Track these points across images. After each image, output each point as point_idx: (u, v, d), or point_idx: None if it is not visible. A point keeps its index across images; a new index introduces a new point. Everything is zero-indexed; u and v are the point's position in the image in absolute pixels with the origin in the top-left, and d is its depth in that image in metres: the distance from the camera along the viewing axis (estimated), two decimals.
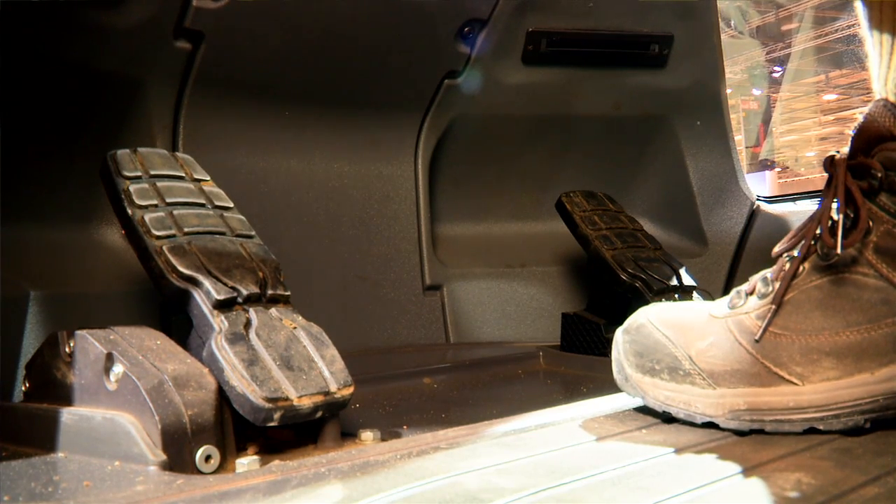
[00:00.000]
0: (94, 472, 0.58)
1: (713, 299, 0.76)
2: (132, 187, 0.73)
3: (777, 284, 0.66)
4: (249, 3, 1.06)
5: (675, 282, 1.14)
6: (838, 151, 0.65)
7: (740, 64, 5.39)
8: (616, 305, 1.07)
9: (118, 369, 0.61)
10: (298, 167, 1.25)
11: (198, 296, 0.68)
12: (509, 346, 1.24)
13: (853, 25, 0.87)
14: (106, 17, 0.98)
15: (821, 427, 0.62)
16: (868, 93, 0.72)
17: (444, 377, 1.04)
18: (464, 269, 1.37)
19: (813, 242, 0.65)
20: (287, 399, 0.64)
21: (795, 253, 0.66)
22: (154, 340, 0.65)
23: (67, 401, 0.65)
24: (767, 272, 0.68)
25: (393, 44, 1.21)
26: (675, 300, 1.07)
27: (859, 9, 0.70)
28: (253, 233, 0.78)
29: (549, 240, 1.40)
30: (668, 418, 0.68)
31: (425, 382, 1.01)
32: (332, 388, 0.67)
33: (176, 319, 0.70)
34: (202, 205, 0.77)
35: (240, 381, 0.63)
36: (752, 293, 0.67)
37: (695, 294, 1.12)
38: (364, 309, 1.27)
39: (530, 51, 1.30)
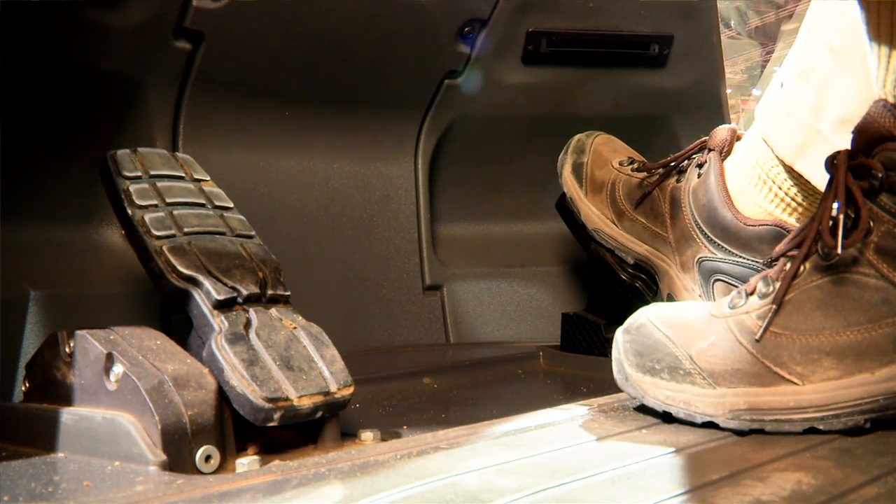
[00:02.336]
0: (94, 472, 0.58)
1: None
2: (132, 187, 0.73)
3: (778, 284, 0.66)
4: (249, 3, 1.06)
5: None
6: (839, 152, 0.65)
7: (740, 64, 5.38)
8: (616, 305, 1.07)
9: (118, 369, 0.61)
10: (298, 167, 1.25)
11: (198, 296, 0.68)
12: (509, 346, 1.24)
13: None
14: (106, 17, 0.98)
15: (821, 427, 0.62)
16: None
17: (444, 377, 1.04)
18: (464, 269, 1.37)
19: (814, 243, 0.65)
20: (287, 399, 0.64)
21: (796, 253, 0.66)
22: (154, 340, 0.65)
23: (67, 401, 0.65)
24: (768, 272, 0.68)
25: (393, 44, 1.21)
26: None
27: (857, 11, 0.70)
28: (253, 233, 0.78)
29: (549, 240, 1.40)
30: (668, 418, 0.68)
31: (425, 382, 1.01)
32: (332, 388, 0.67)
33: (176, 319, 0.70)
34: (202, 205, 0.77)
35: (240, 381, 0.63)
36: (752, 293, 0.68)
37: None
38: (364, 309, 1.27)
39: (530, 51, 1.30)
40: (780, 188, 0.91)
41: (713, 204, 0.93)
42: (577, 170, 1.11)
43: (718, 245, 0.92)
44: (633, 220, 1.04)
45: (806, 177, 0.87)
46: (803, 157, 0.87)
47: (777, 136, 0.90)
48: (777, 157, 0.90)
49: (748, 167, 0.93)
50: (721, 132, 0.99)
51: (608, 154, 1.11)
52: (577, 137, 1.15)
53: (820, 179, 0.84)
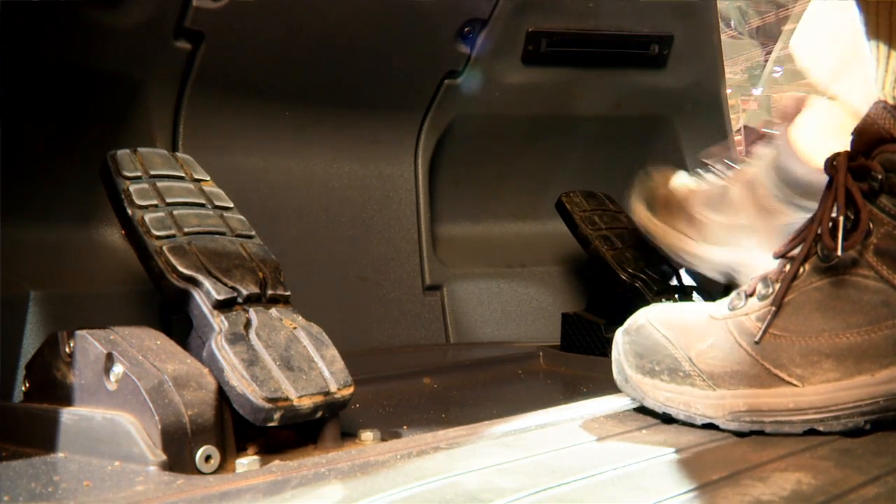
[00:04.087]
0: (94, 472, 0.58)
1: (713, 300, 0.76)
2: (132, 187, 0.73)
3: (777, 286, 0.66)
4: (249, 3, 1.06)
5: (675, 282, 1.14)
6: (839, 153, 0.65)
7: (740, 64, 5.38)
8: (616, 305, 1.07)
9: (118, 369, 0.61)
10: (298, 167, 1.25)
11: (198, 296, 0.68)
12: (509, 346, 1.24)
13: None
14: (106, 17, 0.98)
15: (821, 428, 0.62)
16: None
17: (444, 377, 1.04)
18: (464, 269, 1.37)
19: (813, 244, 0.65)
20: (287, 399, 0.64)
21: (796, 254, 0.66)
22: (154, 340, 0.65)
23: (67, 401, 0.65)
24: (768, 274, 0.68)
25: (393, 44, 1.21)
26: (675, 300, 1.07)
27: (856, 13, 0.70)
28: (253, 233, 0.78)
29: (549, 240, 1.40)
30: (667, 419, 0.68)
31: (425, 382, 1.01)
32: (332, 388, 0.67)
33: (176, 319, 0.70)
34: (202, 205, 0.77)
35: (240, 381, 0.63)
36: (752, 295, 0.68)
37: (694, 294, 1.12)
38: (364, 309, 1.27)
39: (530, 51, 1.30)
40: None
41: (790, 168, 0.92)
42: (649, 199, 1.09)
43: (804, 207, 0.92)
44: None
45: (840, 99, 0.87)
46: (839, 82, 0.87)
47: (815, 63, 0.89)
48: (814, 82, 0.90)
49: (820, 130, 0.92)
50: (787, 100, 0.97)
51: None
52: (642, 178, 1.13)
53: (856, 100, 0.84)
